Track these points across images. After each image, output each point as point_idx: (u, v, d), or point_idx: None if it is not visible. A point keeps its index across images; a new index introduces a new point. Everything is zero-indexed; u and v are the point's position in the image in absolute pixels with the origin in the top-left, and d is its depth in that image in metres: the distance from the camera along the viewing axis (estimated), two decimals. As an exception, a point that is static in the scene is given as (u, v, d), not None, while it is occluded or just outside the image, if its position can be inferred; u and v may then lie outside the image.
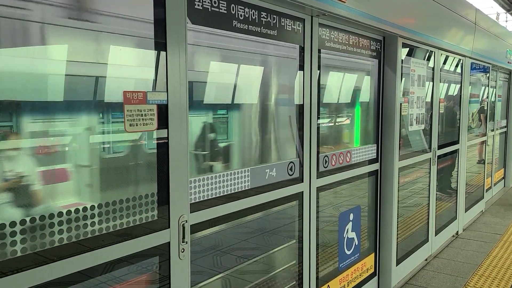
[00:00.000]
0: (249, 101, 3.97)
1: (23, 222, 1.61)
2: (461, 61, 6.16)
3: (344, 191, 3.91)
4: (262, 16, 2.66)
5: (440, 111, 5.41)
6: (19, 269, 1.60)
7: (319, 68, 3.24)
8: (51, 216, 1.71)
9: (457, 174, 6.26)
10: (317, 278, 3.39)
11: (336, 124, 4.32)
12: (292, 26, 2.94)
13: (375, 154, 4.14)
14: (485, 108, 7.68)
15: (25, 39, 1.73)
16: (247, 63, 3.54)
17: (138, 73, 2.12)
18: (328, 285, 3.55)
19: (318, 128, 3.28)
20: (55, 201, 2.09)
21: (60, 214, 1.73)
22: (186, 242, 2.19)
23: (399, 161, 4.30)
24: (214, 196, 2.43)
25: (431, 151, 5.19)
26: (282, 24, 2.84)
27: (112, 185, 2.32)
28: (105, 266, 1.89)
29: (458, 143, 6.22)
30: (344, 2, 3.11)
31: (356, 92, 4.41)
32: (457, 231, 6.17)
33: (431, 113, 5.20)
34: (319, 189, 3.33)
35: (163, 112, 2.04)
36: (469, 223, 6.68)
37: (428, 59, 5.02)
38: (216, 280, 3.05)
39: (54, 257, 1.70)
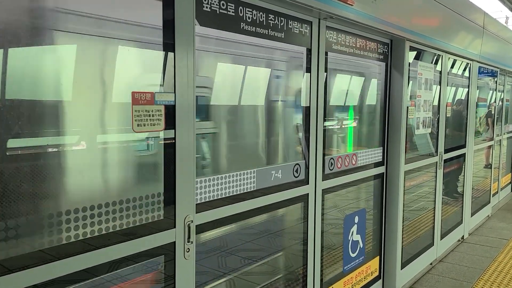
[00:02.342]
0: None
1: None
2: (469, 65, 6.13)
3: (349, 194, 3.91)
4: (269, 18, 2.68)
5: (447, 115, 5.39)
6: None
7: (326, 70, 3.25)
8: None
9: (464, 178, 6.23)
10: (321, 280, 3.39)
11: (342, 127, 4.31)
12: (300, 29, 2.95)
13: (381, 157, 4.13)
14: (493, 112, 7.64)
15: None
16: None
17: (147, 74, 2.14)
18: (332, 288, 3.55)
19: (324, 130, 3.28)
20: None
21: (68, 212, 1.75)
22: (192, 242, 2.21)
23: (405, 164, 4.29)
24: (219, 197, 2.44)
25: (437, 155, 5.17)
26: (289, 26, 2.85)
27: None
28: (110, 264, 1.91)
29: (465, 147, 6.19)
30: (352, 5, 3.11)
31: (362, 94, 4.41)
32: (463, 236, 6.14)
33: (438, 117, 5.18)
34: (325, 191, 3.33)
35: (170, 113, 2.06)
36: (475, 228, 6.64)
37: (436, 63, 5.01)
38: (221, 282, 3.06)
39: (61, 255, 1.73)
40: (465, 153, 6.20)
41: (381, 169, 4.15)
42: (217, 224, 2.48)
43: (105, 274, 1.92)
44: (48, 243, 1.70)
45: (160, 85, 2.06)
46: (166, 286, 2.19)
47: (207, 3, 2.25)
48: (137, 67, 2.11)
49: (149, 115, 1.93)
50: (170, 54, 2.05)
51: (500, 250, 5.65)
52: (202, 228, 2.34)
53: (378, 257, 4.24)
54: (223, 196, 2.47)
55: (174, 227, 2.14)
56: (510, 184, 9.41)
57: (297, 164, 3.06)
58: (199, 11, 2.20)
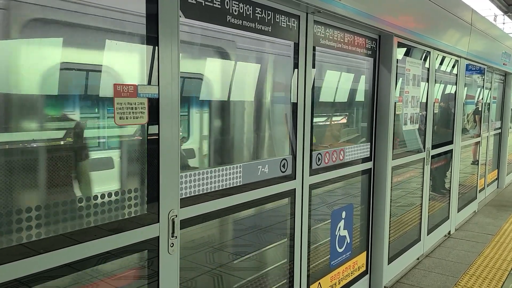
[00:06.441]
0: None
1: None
2: (457, 62, 6.17)
3: (337, 189, 3.91)
4: (256, 11, 2.65)
5: (434, 111, 5.42)
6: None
7: (313, 66, 3.23)
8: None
9: (451, 175, 6.28)
10: (308, 275, 3.39)
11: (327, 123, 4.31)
12: (287, 23, 2.93)
13: (369, 153, 4.14)
14: (480, 109, 7.71)
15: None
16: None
17: (130, 67, 2.11)
18: (319, 283, 3.55)
19: (311, 125, 3.27)
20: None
21: (47, 206, 1.72)
22: (176, 236, 2.18)
23: (392, 160, 4.30)
24: (205, 192, 2.42)
25: (425, 151, 5.20)
26: (277, 20, 2.83)
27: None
28: (93, 259, 1.88)
29: (452, 143, 6.24)
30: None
31: (350, 91, 4.41)
32: (449, 231, 6.19)
33: (426, 113, 5.21)
34: (312, 186, 3.33)
35: (154, 106, 2.03)
36: (462, 223, 6.71)
37: (424, 59, 5.03)
38: (206, 276, 3.04)
39: (41, 249, 1.69)
40: (452, 149, 6.25)
41: (368, 165, 4.15)
42: (202, 219, 2.46)
43: (87, 269, 1.89)
44: (27, 237, 1.67)
45: (145, 75, 2.02)
46: (150, 281, 2.17)
47: (193, -5, 2.22)
48: (120, 60, 2.07)
49: (132, 108, 1.90)
50: (154, 47, 2.01)
51: (486, 245, 5.72)
52: (187, 223, 2.32)
53: (365, 252, 4.25)
54: (209, 191, 2.45)
55: (158, 221, 2.11)
56: (496, 180, 9.52)
57: (284, 159, 3.05)
58: (184, 2, 2.17)
